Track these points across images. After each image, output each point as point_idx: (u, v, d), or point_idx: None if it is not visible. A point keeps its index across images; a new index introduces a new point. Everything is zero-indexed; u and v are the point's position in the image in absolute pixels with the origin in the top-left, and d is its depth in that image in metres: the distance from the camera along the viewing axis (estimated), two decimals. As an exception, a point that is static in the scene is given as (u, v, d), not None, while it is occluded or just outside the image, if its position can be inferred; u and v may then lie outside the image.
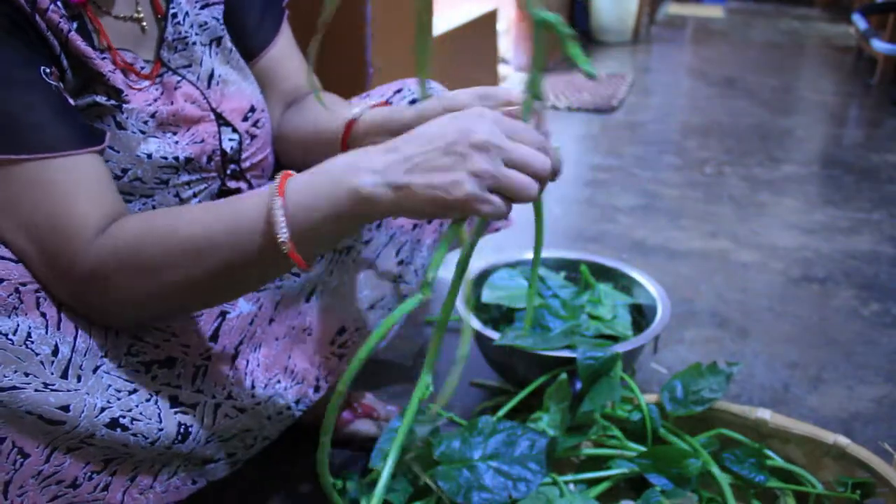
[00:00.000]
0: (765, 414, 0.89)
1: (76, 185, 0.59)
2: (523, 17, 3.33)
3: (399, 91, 0.91)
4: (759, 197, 2.05)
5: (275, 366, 0.80)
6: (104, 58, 0.66)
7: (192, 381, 0.71)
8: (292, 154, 0.87)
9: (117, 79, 0.67)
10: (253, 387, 0.77)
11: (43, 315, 0.58)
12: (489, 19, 2.65)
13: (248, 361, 0.77)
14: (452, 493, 0.77)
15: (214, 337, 0.73)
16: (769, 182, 2.17)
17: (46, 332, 0.57)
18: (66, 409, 0.58)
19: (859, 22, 3.46)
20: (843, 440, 0.85)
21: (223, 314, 0.74)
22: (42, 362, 0.57)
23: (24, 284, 0.57)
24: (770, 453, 0.88)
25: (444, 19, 2.33)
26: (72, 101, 0.63)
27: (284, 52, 0.88)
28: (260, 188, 0.60)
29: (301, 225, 0.57)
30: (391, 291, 0.93)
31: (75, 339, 0.60)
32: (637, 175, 2.21)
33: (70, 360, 0.59)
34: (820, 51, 4.46)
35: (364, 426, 1.03)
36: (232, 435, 0.75)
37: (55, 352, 0.58)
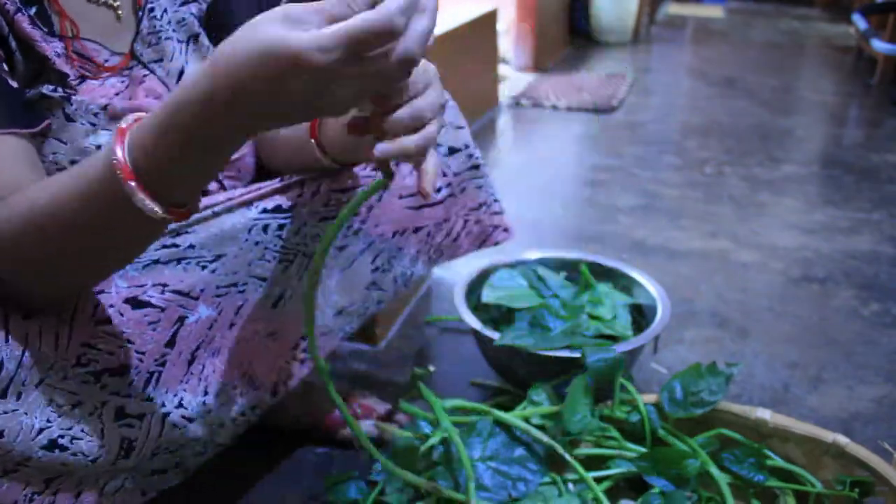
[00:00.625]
0: (764, 414, 0.89)
1: None
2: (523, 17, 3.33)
3: None
4: (759, 197, 2.05)
5: (232, 371, 0.77)
6: (52, 42, 0.65)
7: (143, 388, 0.68)
8: (276, 157, 0.86)
9: (65, 65, 0.66)
10: (206, 393, 0.74)
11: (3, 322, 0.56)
12: (489, 19, 2.65)
13: (203, 366, 0.74)
14: (452, 494, 0.77)
15: (171, 342, 0.70)
16: (769, 182, 2.17)
17: None
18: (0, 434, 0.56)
19: (859, 22, 3.46)
20: (842, 439, 0.85)
21: (181, 319, 0.71)
22: None
23: None
24: (769, 453, 0.88)
25: (444, 19, 2.33)
26: (12, 84, 0.62)
27: None
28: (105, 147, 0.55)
29: (147, 157, 0.51)
30: (361, 298, 0.91)
31: (23, 352, 0.58)
32: (637, 175, 2.21)
33: (13, 376, 0.57)
34: (820, 51, 4.46)
35: (364, 426, 1.03)
36: (180, 445, 0.73)
37: None
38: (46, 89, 0.65)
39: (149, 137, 0.51)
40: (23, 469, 0.60)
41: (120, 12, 0.72)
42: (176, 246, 0.69)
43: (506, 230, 1.05)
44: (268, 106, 0.49)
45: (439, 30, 2.20)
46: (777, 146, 2.54)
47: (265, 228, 0.76)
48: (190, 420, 0.73)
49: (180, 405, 0.71)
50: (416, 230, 0.94)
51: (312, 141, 0.77)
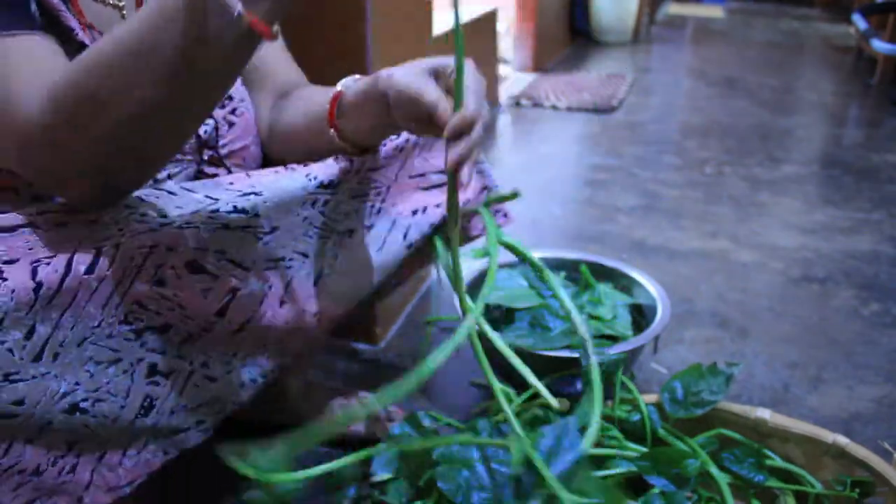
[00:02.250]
0: (764, 414, 0.89)
1: (20, 58, 0.58)
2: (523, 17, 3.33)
3: None
4: (759, 197, 2.05)
5: (268, 339, 0.77)
6: (71, 20, 0.65)
7: (178, 346, 0.68)
8: (283, 146, 0.87)
9: (85, 37, 0.66)
10: (234, 355, 0.74)
11: (37, 287, 0.55)
12: (489, 19, 2.65)
13: (245, 336, 0.74)
14: (452, 494, 0.77)
15: (222, 312, 0.70)
16: (769, 182, 2.17)
17: (27, 314, 0.55)
18: (20, 403, 0.56)
19: (859, 22, 3.46)
20: (842, 439, 0.85)
21: (233, 290, 0.71)
22: (11, 350, 0.54)
23: (11, 262, 0.55)
24: (769, 453, 0.88)
25: (444, 19, 2.33)
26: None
27: (275, 52, 0.88)
28: None
29: None
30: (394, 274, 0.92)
31: (63, 313, 0.57)
32: (637, 175, 2.21)
33: (49, 338, 0.57)
34: (820, 51, 4.46)
35: (364, 427, 1.03)
36: (198, 404, 0.73)
37: (29, 333, 0.55)
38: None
39: None
40: (45, 436, 0.60)
41: (124, 12, 0.72)
42: (245, 213, 0.69)
43: (506, 215, 1.06)
44: None
45: (439, 30, 2.20)
46: (777, 146, 2.54)
47: (314, 203, 0.77)
48: (212, 380, 0.73)
49: (205, 364, 0.72)
50: (436, 206, 0.95)
51: (332, 131, 0.78)
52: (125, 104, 0.54)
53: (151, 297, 0.64)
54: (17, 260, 0.56)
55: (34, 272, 0.56)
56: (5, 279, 0.54)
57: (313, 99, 0.82)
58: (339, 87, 0.79)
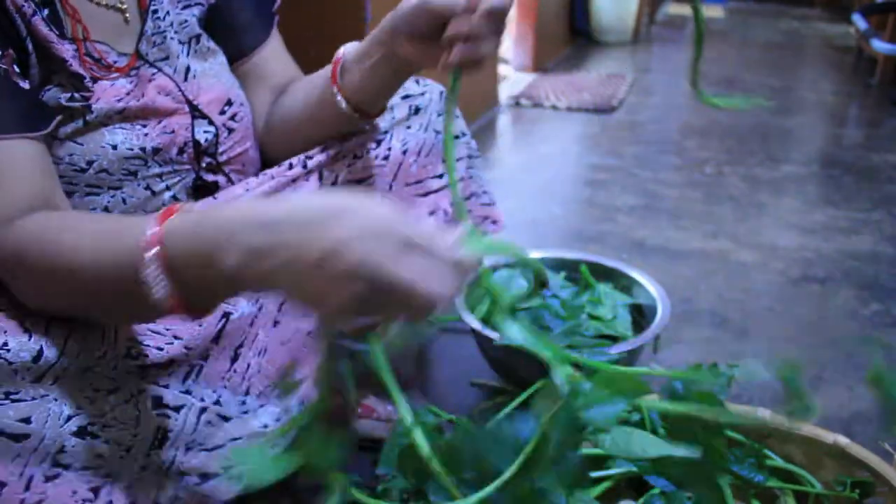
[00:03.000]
0: (764, 414, 0.89)
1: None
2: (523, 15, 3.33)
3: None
4: (759, 197, 2.05)
5: (279, 373, 0.78)
6: (65, 44, 0.66)
7: (182, 381, 0.69)
8: (281, 138, 0.87)
9: (80, 68, 0.66)
10: (247, 392, 0.75)
11: (27, 331, 0.57)
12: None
13: (248, 365, 0.75)
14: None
15: (217, 338, 0.72)
16: (769, 182, 2.17)
17: (30, 339, 0.56)
18: (27, 420, 0.56)
19: (859, 22, 3.46)
20: (842, 440, 0.85)
21: (226, 315, 0.73)
22: (16, 371, 0.55)
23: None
24: (769, 453, 0.88)
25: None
26: (24, 85, 0.62)
27: (276, 51, 0.88)
28: (143, 221, 0.54)
29: (180, 283, 0.52)
30: None
31: (65, 341, 0.59)
32: (637, 175, 2.21)
33: (54, 364, 0.57)
34: (820, 51, 4.46)
35: (364, 427, 1.03)
36: (216, 445, 0.72)
37: (37, 357, 0.56)
38: (63, 98, 0.66)
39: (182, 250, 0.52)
40: (64, 474, 0.59)
41: (127, 15, 0.72)
42: None
43: (495, 222, 1.05)
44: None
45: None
46: (777, 146, 2.54)
47: (218, 206, 0.76)
48: (225, 419, 0.73)
49: (217, 402, 0.72)
50: (430, 214, 0.94)
51: (336, 91, 0.78)
52: (56, 292, 0.58)
53: (145, 333, 0.66)
54: None
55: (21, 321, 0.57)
56: None
57: (312, 81, 0.83)
58: (339, 52, 0.79)
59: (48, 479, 0.58)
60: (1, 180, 0.59)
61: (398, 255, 0.47)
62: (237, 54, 0.85)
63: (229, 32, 0.83)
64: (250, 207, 0.52)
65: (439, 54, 0.68)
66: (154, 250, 0.52)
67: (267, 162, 0.88)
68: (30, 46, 0.63)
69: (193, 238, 0.52)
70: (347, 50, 0.79)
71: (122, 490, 0.64)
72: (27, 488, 0.56)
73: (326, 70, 0.80)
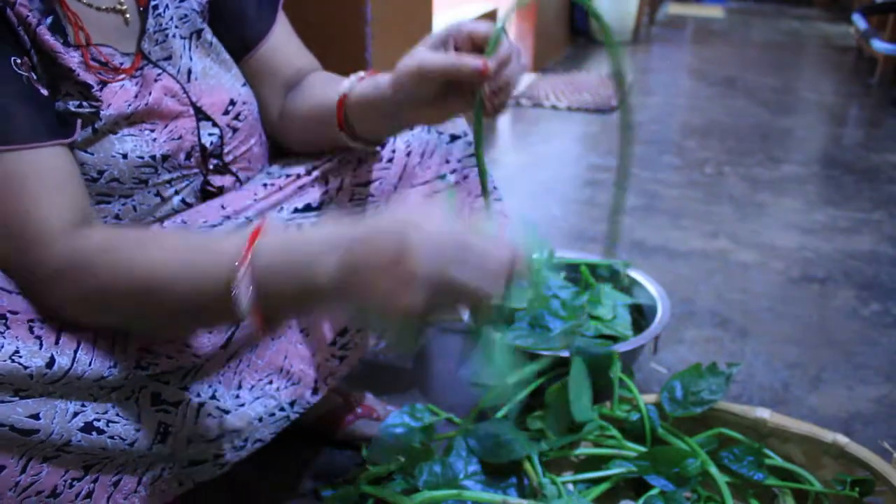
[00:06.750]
0: (764, 413, 0.89)
1: (40, 179, 0.59)
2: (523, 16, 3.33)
3: None
4: (759, 197, 2.05)
5: (268, 366, 0.79)
6: (70, 53, 0.65)
7: (181, 378, 0.71)
8: (295, 135, 0.87)
9: (87, 75, 0.66)
10: (239, 387, 0.76)
11: (38, 338, 0.57)
12: (489, 20, 2.65)
13: (240, 361, 0.77)
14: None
15: (226, 345, 0.73)
16: (769, 182, 2.18)
17: (41, 349, 0.57)
18: (36, 416, 0.57)
19: (859, 22, 3.46)
20: (842, 439, 0.85)
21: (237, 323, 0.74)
22: (31, 375, 0.56)
23: (14, 313, 0.57)
24: (769, 452, 0.88)
25: (444, 19, 2.33)
26: (45, 92, 0.62)
27: (282, 39, 0.87)
28: (232, 239, 0.59)
29: (264, 298, 0.57)
30: None
31: (76, 351, 0.60)
32: (637, 175, 2.21)
33: (69, 369, 0.58)
34: (820, 51, 4.46)
35: (365, 427, 1.03)
36: (217, 435, 0.74)
37: (50, 363, 0.57)
38: (72, 105, 0.65)
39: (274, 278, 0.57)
40: (63, 455, 0.61)
41: (127, 16, 0.72)
42: None
43: (505, 217, 1.06)
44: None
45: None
46: (777, 146, 2.54)
47: (299, 228, 0.78)
48: (225, 412, 0.74)
49: (213, 397, 0.74)
50: None
51: (343, 134, 0.79)
52: (121, 310, 0.61)
53: (156, 343, 0.67)
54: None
55: (31, 328, 0.58)
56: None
57: (322, 102, 0.82)
58: (342, 90, 0.78)
59: (45, 459, 0.60)
60: (47, 190, 0.59)
61: (459, 260, 0.53)
62: (242, 47, 0.83)
63: (232, 23, 0.82)
64: (335, 228, 0.58)
65: (447, 112, 0.72)
66: (247, 267, 0.56)
67: (282, 149, 0.89)
68: (35, 58, 0.62)
69: (285, 257, 0.57)
70: (351, 91, 0.78)
71: (111, 466, 0.66)
72: (23, 471, 0.58)
73: (332, 104, 0.79)
